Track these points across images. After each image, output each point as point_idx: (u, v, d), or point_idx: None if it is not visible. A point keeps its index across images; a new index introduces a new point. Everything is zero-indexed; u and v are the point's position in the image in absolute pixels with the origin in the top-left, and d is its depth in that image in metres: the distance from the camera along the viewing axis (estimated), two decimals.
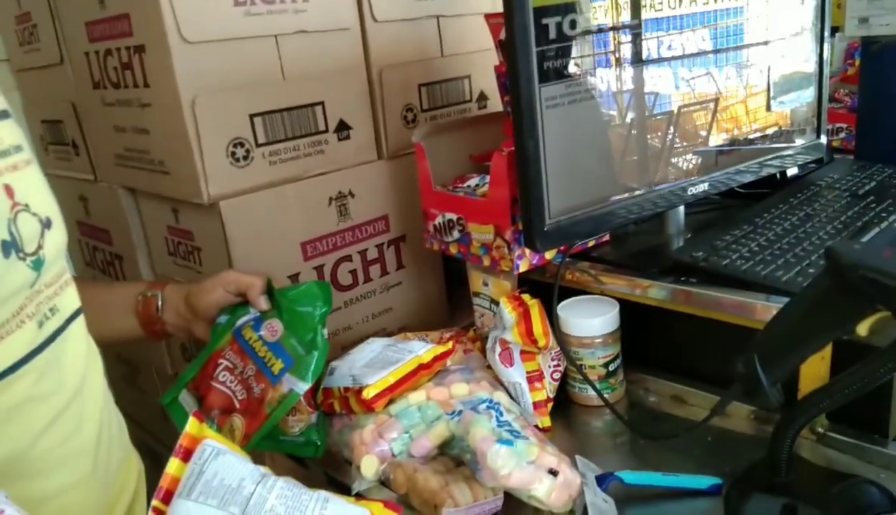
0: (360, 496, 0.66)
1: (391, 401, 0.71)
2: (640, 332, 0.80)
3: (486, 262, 0.83)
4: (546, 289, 0.79)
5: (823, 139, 0.97)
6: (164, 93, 0.80)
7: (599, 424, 0.77)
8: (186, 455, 0.46)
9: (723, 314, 0.70)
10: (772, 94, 0.89)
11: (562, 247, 0.81)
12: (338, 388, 0.73)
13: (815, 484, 0.62)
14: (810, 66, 0.95)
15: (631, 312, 0.77)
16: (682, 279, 0.74)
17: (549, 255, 0.82)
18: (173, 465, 0.46)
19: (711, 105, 0.84)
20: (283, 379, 0.69)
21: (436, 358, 0.74)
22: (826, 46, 0.95)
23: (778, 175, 0.97)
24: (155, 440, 1.17)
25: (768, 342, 0.56)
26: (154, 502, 0.44)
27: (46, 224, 0.50)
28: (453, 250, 0.87)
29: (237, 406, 0.71)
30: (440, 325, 0.99)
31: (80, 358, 0.55)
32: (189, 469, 0.45)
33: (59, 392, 0.51)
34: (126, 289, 0.81)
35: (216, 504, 0.43)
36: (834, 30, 1.04)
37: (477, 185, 0.86)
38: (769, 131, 0.92)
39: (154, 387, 1.16)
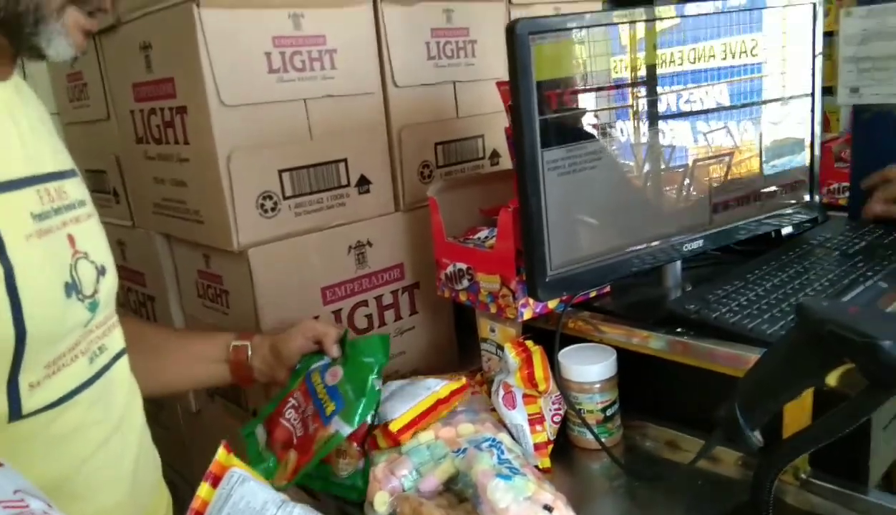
0: None
1: (415, 434, 0.76)
2: (638, 380, 0.84)
3: (493, 310, 0.88)
4: (548, 336, 0.84)
5: (817, 199, 1.02)
6: (202, 149, 0.88)
7: (597, 466, 0.80)
8: (215, 481, 0.52)
9: (716, 364, 0.75)
10: (764, 158, 0.95)
11: (563, 297, 0.87)
12: None
13: None
14: (805, 129, 1.00)
15: (629, 360, 0.82)
16: (678, 330, 0.78)
17: (551, 304, 0.87)
18: (203, 489, 0.51)
19: (709, 166, 0.90)
20: (332, 420, 0.73)
21: (452, 393, 0.79)
22: (818, 110, 1.00)
23: (773, 233, 1.02)
24: (177, 475, 1.21)
25: (747, 389, 0.60)
26: None
27: (102, 271, 0.56)
28: (463, 298, 0.93)
29: (295, 442, 0.76)
30: (450, 369, 1.02)
31: (123, 393, 0.61)
32: (217, 493, 0.51)
33: (106, 421, 0.57)
34: (216, 340, 0.87)
35: None
36: (828, 90, 1.09)
37: (486, 238, 0.92)
38: (764, 192, 0.97)
39: (177, 424, 1.21)
